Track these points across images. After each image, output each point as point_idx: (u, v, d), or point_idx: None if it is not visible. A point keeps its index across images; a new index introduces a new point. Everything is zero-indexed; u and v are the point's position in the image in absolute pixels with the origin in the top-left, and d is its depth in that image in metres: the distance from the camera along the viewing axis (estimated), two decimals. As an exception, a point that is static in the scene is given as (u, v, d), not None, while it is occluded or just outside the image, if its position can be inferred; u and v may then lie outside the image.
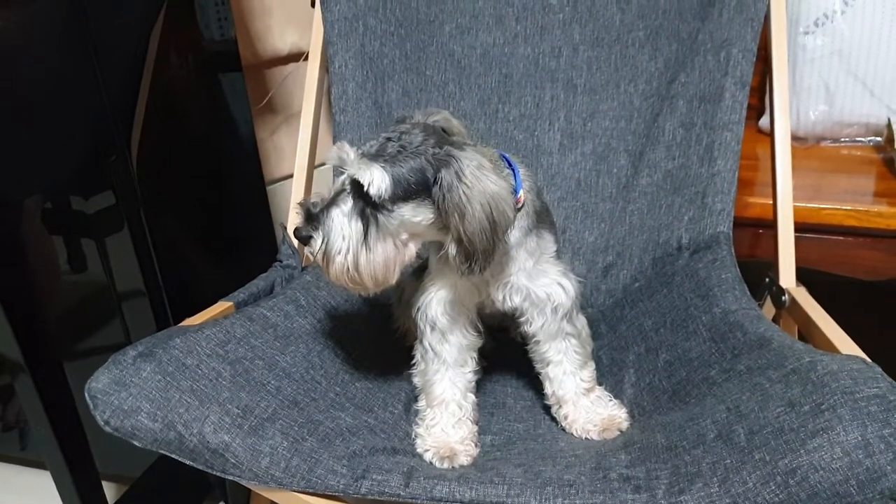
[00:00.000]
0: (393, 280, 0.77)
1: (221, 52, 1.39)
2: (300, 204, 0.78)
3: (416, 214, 0.74)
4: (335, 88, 1.17)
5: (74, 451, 1.03)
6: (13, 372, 0.97)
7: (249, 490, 1.05)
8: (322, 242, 0.75)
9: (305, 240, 0.76)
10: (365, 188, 0.72)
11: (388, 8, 1.18)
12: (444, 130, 0.78)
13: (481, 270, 0.74)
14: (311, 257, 0.77)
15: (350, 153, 0.74)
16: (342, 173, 0.75)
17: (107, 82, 1.04)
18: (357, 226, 0.74)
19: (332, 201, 0.75)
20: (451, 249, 0.74)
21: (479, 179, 0.71)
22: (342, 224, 0.74)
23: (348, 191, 0.75)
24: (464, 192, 0.70)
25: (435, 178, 0.72)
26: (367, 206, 0.73)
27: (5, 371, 0.98)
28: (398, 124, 0.77)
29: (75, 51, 1.01)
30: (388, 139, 0.74)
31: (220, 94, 1.38)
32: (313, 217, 0.76)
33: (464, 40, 1.17)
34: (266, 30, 1.57)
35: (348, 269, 0.74)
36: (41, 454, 1.05)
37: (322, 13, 1.17)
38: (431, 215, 0.74)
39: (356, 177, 0.72)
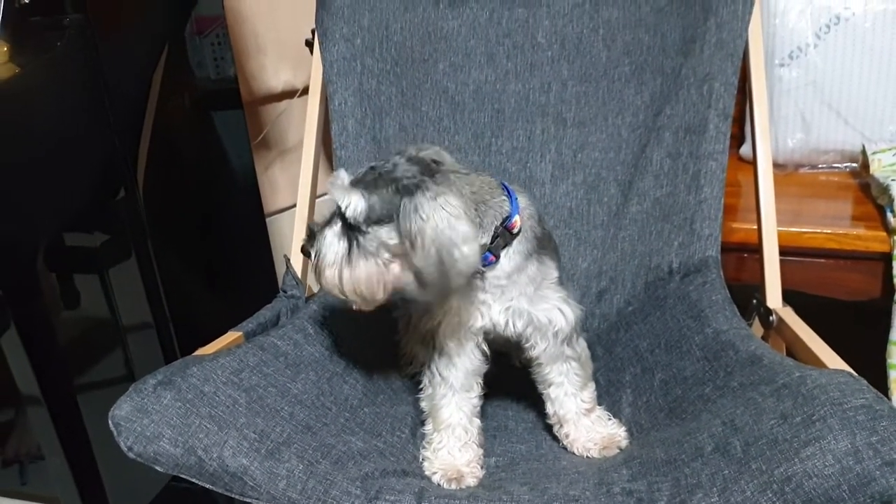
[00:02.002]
0: (379, 296, 0.81)
1: (220, 90, 1.43)
2: (308, 225, 0.88)
3: (391, 237, 0.78)
4: (335, 125, 1.21)
5: (87, 482, 1.05)
6: (29, 404, 0.99)
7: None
8: (315, 257, 0.83)
9: (308, 254, 0.86)
10: (342, 211, 0.79)
11: (385, 48, 1.23)
12: (436, 162, 0.82)
13: (435, 301, 0.81)
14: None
15: (341, 180, 0.81)
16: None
17: (118, 123, 1.08)
18: (342, 244, 0.81)
19: (328, 222, 0.83)
20: (409, 275, 0.79)
21: (436, 215, 0.74)
22: (331, 242, 0.82)
23: (338, 213, 0.82)
24: (417, 224, 0.74)
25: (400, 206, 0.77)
26: (350, 228, 0.80)
27: (18, 404, 1.00)
28: (392, 156, 0.82)
29: (89, 94, 1.04)
30: (372, 168, 0.80)
31: (221, 130, 1.42)
32: (313, 235, 0.85)
33: (457, 78, 1.22)
34: (260, 68, 1.61)
35: (335, 282, 0.81)
36: (54, 488, 1.06)
37: (321, 53, 1.22)
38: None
39: (336, 201, 0.80)
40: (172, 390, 0.80)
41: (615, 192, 1.16)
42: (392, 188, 0.77)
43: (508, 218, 0.83)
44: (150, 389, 0.80)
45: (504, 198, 0.84)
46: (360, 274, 0.80)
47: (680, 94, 1.11)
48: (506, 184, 0.86)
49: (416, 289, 0.78)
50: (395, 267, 0.81)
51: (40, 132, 1.01)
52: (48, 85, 1.01)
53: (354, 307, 0.84)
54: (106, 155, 1.10)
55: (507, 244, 0.84)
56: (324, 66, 1.22)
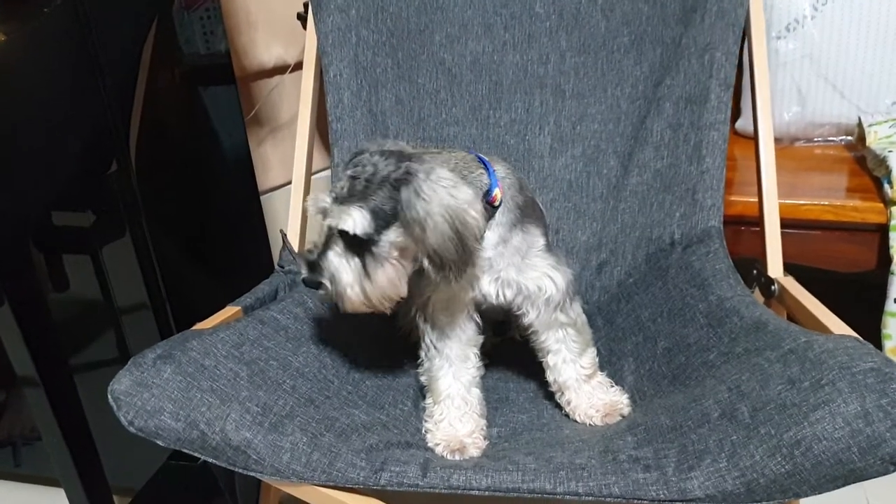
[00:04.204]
0: (403, 292, 0.82)
1: (211, 65, 1.41)
2: (300, 256, 0.84)
3: (400, 235, 0.78)
4: (331, 97, 1.20)
5: (85, 462, 1.04)
6: (25, 385, 0.97)
7: (258, 494, 1.07)
8: (330, 285, 0.80)
9: (317, 286, 0.81)
10: (351, 233, 0.77)
11: (380, 19, 1.21)
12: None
13: (457, 278, 0.78)
14: (325, 300, 0.82)
15: (327, 200, 0.79)
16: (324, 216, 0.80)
17: (108, 94, 1.06)
18: (355, 262, 0.79)
19: (326, 245, 0.80)
20: (425, 262, 0.78)
21: (437, 192, 0.75)
22: (341, 264, 0.79)
23: (336, 234, 0.79)
24: (422, 207, 0.74)
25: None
26: (354, 244, 0.78)
27: (11, 386, 0.98)
28: (357, 157, 0.80)
29: (80, 64, 1.02)
30: (354, 178, 0.78)
31: (214, 106, 1.40)
32: (315, 265, 0.81)
33: (454, 49, 1.20)
34: (251, 44, 1.59)
35: (361, 299, 0.80)
36: (49, 469, 1.05)
37: (315, 24, 1.20)
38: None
39: (339, 227, 0.77)
40: (172, 364, 0.79)
41: (615, 163, 1.15)
42: (387, 188, 0.76)
43: (489, 192, 0.83)
44: (149, 363, 0.79)
45: (482, 171, 0.84)
46: (382, 281, 0.79)
47: (680, 65, 1.11)
48: (480, 156, 0.86)
49: (435, 271, 0.78)
50: (407, 261, 0.81)
51: (28, 104, 0.98)
52: (36, 55, 0.98)
53: (385, 313, 0.83)
54: (97, 128, 1.08)
55: (489, 217, 0.83)
56: (318, 37, 1.20)
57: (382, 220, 0.77)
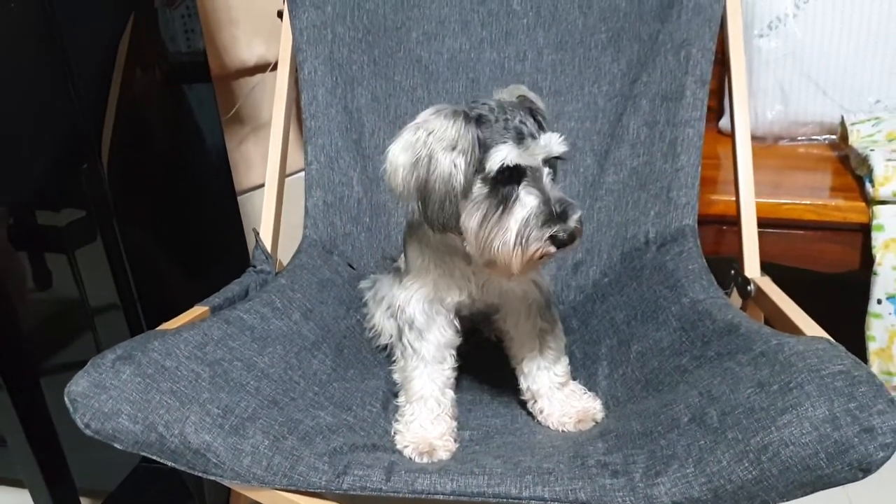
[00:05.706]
0: None
1: (189, 63, 1.39)
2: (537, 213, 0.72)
3: None
4: (305, 94, 1.18)
5: (51, 465, 1.02)
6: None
7: (228, 498, 1.05)
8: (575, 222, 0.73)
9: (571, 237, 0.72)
10: (560, 154, 0.75)
11: (356, 15, 1.19)
12: None
13: None
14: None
15: (524, 146, 0.73)
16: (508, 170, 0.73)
17: (79, 93, 1.04)
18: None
19: (540, 185, 0.74)
20: None
21: None
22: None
23: (544, 170, 0.74)
24: None
25: None
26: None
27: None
28: (482, 109, 0.78)
29: (47, 59, 1.00)
30: (516, 118, 0.75)
31: (190, 105, 1.38)
32: (564, 213, 0.73)
33: (431, 46, 1.19)
34: (233, 41, 1.57)
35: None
36: (16, 472, 1.03)
37: (291, 21, 1.18)
38: None
39: (559, 151, 0.75)
40: (132, 365, 0.77)
41: (591, 162, 1.14)
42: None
43: None
44: (108, 364, 0.77)
45: None
46: None
47: (657, 61, 1.09)
48: None
49: None
50: None
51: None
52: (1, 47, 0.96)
53: None
54: (67, 127, 1.06)
55: None
56: (293, 34, 1.18)
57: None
